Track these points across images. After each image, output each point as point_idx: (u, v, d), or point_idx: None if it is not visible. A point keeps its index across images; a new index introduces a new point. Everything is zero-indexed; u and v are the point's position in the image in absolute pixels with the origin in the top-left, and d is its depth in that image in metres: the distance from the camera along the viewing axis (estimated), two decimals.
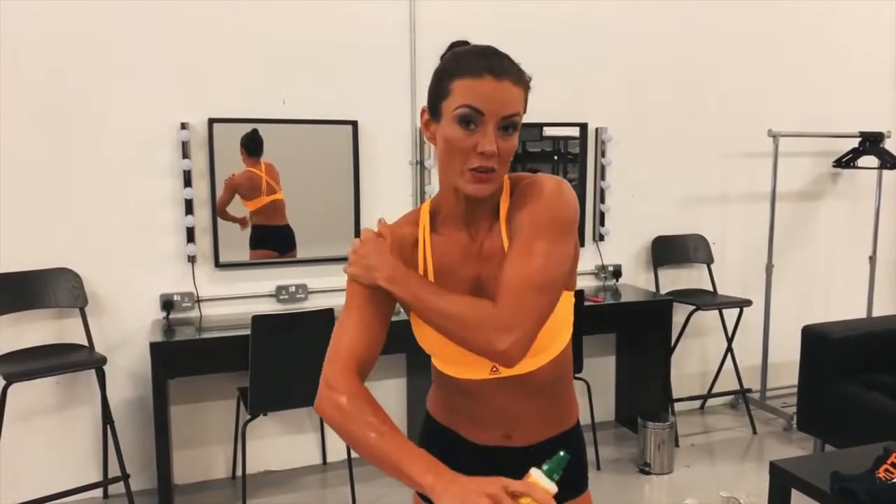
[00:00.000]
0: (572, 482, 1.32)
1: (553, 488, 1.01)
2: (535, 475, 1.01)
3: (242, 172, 3.39)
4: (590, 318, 3.56)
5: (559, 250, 1.15)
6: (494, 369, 1.23)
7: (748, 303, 4.05)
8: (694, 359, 4.33)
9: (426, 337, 1.25)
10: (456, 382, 1.28)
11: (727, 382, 4.27)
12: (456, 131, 1.15)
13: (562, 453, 1.03)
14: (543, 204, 1.18)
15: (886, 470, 1.88)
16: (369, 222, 3.66)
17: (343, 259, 3.56)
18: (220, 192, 3.33)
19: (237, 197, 3.39)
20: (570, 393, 1.36)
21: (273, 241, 3.50)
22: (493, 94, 1.13)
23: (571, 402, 1.36)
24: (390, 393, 3.68)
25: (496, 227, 1.23)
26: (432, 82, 1.21)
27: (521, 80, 1.17)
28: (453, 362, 1.26)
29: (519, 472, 1.03)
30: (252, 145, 3.37)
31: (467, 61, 1.15)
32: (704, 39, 4.14)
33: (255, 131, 3.36)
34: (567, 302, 1.25)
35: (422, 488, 1.03)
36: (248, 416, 3.07)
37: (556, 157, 3.97)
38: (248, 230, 3.44)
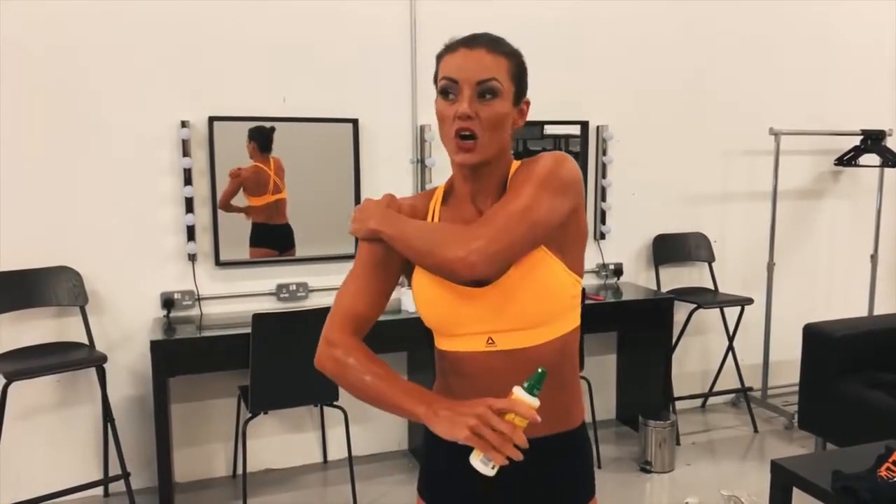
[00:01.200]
0: (578, 490, 1.32)
1: (535, 403, 1.07)
2: (517, 392, 1.08)
3: (250, 167, 3.38)
4: (591, 317, 3.52)
5: (548, 199, 1.20)
6: (490, 341, 1.23)
7: (749, 301, 4.05)
8: (695, 357, 4.33)
9: (426, 307, 1.28)
10: (453, 361, 1.28)
11: (728, 381, 4.27)
12: (440, 103, 1.24)
13: (540, 370, 1.09)
14: (539, 165, 1.24)
15: (888, 468, 1.87)
16: None
17: (344, 257, 3.55)
18: (220, 189, 3.32)
19: (240, 191, 3.39)
20: (574, 389, 1.34)
21: (272, 239, 3.50)
22: (464, 63, 1.21)
23: (576, 399, 1.34)
24: None
25: None
26: None
27: (498, 49, 1.23)
28: (448, 333, 1.27)
29: (518, 470, 1.07)
30: (265, 141, 3.37)
31: (450, 43, 1.25)
32: (706, 37, 4.13)
33: (272, 128, 3.36)
34: (573, 284, 1.26)
35: (416, 417, 1.12)
36: (249, 415, 3.07)
37: None
38: (249, 227, 3.43)
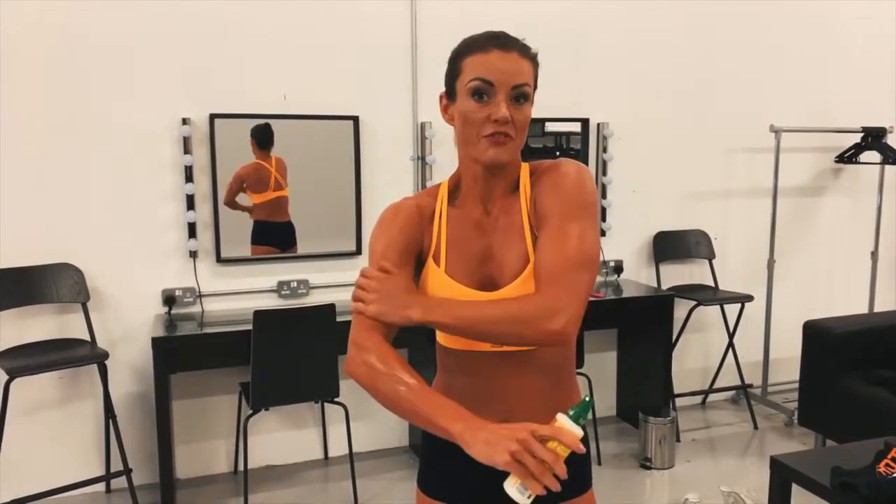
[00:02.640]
0: (574, 481, 1.32)
1: (579, 432, 1.03)
2: (562, 420, 1.04)
3: (250, 164, 3.39)
4: (591, 314, 3.51)
5: (591, 231, 1.21)
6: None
7: (750, 298, 4.05)
8: (695, 354, 4.33)
9: None
10: (458, 359, 1.29)
11: (728, 378, 4.27)
12: (470, 104, 1.21)
13: (587, 398, 1.06)
14: (571, 189, 1.23)
15: (887, 464, 1.88)
16: (370, 218, 3.66)
17: (345, 254, 3.54)
18: (221, 186, 3.32)
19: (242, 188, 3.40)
20: (572, 383, 1.36)
21: (274, 237, 3.50)
22: (501, 66, 1.19)
23: (574, 393, 1.36)
24: None
25: (515, 205, 1.28)
26: (447, 67, 1.27)
27: (528, 54, 1.23)
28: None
29: None
30: (264, 138, 3.38)
31: (476, 41, 1.23)
32: (706, 35, 4.13)
33: (267, 125, 3.36)
34: None
35: (451, 436, 1.06)
36: (250, 411, 3.07)
37: (558, 153, 3.97)
38: (251, 224, 3.43)
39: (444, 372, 1.36)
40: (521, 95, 1.21)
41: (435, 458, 1.38)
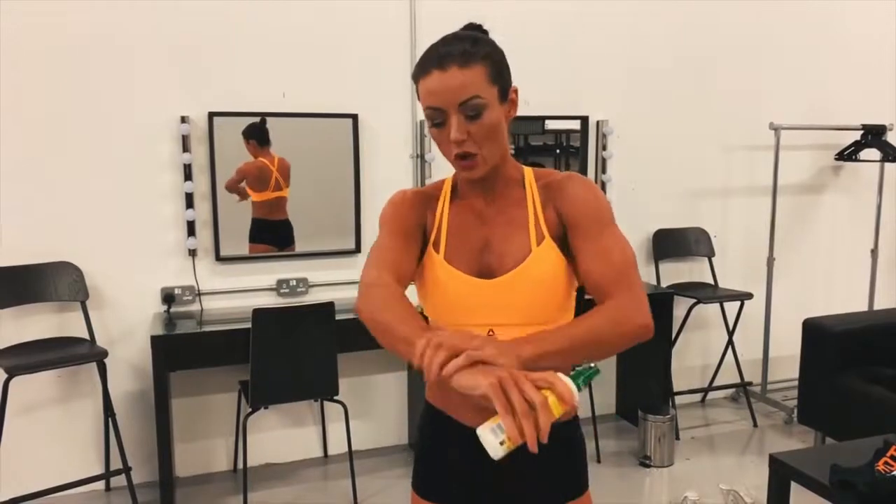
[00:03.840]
0: (570, 484, 1.32)
1: (577, 391, 0.95)
2: (559, 375, 0.95)
3: (253, 161, 3.39)
4: None
5: (621, 232, 1.27)
6: (490, 332, 1.25)
7: (749, 296, 4.05)
8: (695, 352, 4.33)
9: (433, 305, 1.30)
10: None
11: (728, 375, 4.27)
12: (432, 130, 1.22)
13: (595, 366, 1.01)
14: (595, 200, 1.26)
15: (886, 462, 1.88)
16: (370, 216, 3.65)
17: (344, 252, 3.54)
18: (220, 184, 3.32)
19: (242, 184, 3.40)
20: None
21: (272, 236, 3.50)
22: (441, 88, 1.17)
23: None
24: (390, 387, 3.68)
25: (520, 202, 1.28)
26: None
27: (470, 60, 1.17)
28: (451, 323, 1.28)
29: (510, 462, 1.00)
30: (260, 136, 3.37)
31: (421, 62, 1.21)
32: (706, 32, 4.13)
33: (262, 121, 3.36)
34: (573, 284, 1.29)
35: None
36: (249, 409, 3.08)
37: (557, 151, 3.97)
38: (249, 222, 3.43)
39: None
40: (472, 109, 1.17)
41: (428, 459, 1.38)
